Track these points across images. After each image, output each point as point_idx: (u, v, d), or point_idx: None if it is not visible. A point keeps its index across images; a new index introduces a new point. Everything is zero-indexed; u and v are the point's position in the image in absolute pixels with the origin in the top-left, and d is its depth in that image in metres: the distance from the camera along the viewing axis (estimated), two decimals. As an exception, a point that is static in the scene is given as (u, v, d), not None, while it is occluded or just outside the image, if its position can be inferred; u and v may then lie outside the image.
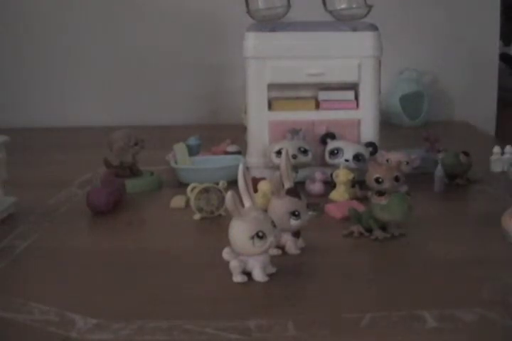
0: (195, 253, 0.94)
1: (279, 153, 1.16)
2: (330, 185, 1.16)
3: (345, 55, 1.20)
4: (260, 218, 0.82)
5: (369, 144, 1.20)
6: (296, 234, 0.91)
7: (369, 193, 1.03)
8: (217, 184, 1.07)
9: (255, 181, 1.05)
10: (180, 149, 1.28)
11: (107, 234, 1.03)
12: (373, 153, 1.19)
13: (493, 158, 1.31)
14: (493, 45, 1.88)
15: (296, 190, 0.91)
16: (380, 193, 0.97)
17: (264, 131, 1.23)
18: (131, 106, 1.85)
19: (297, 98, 1.26)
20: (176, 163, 1.26)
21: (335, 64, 1.20)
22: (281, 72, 1.21)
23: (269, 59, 1.20)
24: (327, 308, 0.76)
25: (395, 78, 1.79)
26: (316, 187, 1.17)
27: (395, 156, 1.17)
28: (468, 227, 1.02)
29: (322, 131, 1.22)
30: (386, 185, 1.06)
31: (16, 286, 0.85)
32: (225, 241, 0.83)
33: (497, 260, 0.88)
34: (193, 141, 1.37)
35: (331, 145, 1.19)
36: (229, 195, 0.79)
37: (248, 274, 0.83)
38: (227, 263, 0.82)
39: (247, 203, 0.82)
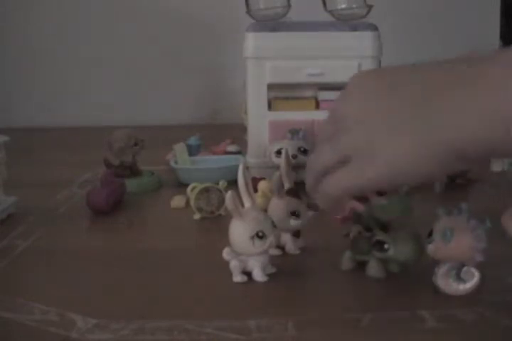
0: (195, 253, 0.94)
1: (279, 153, 1.16)
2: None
3: (345, 55, 1.20)
4: (260, 218, 0.82)
5: (369, 144, 1.20)
6: (296, 234, 0.91)
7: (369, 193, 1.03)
8: (217, 184, 1.07)
9: (255, 181, 1.05)
10: (180, 149, 1.27)
11: (107, 234, 1.03)
12: (373, 153, 1.19)
13: (493, 157, 1.31)
14: (493, 45, 1.88)
15: (296, 190, 0.91)
16: (380, 193, 0.97)
17: (264, 131, 1.23)
18: (131, 106, 1.85)
19: (297, 98, 1.26)
20: (175, 163, 1.26)
21: (335, 64, 1.20)
22: (281, 72, 1.21)
23: (269, 59, 1.20)
24: (327, 308, 0.76)
25: (395, 78, 1.79)
26: (316, 187, 1.16)
27: (395, 156, 1.16)
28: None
29: (322, 131, 1.22)
30: (386, 185, 1.06)
31: (16, 286, 0.85)
32: (225, 241, 0.83)
33: (497, 260, 0.87)
34: (193, 141, 1.37)
35: (331, 145, 1.19)
36: (229, 195, 0.79)
37: (248, 274, 0.83)
38: (227, 263, 0.82)
39: (247, 203, 0.82)
